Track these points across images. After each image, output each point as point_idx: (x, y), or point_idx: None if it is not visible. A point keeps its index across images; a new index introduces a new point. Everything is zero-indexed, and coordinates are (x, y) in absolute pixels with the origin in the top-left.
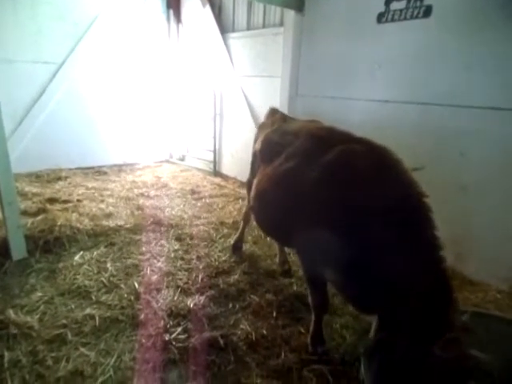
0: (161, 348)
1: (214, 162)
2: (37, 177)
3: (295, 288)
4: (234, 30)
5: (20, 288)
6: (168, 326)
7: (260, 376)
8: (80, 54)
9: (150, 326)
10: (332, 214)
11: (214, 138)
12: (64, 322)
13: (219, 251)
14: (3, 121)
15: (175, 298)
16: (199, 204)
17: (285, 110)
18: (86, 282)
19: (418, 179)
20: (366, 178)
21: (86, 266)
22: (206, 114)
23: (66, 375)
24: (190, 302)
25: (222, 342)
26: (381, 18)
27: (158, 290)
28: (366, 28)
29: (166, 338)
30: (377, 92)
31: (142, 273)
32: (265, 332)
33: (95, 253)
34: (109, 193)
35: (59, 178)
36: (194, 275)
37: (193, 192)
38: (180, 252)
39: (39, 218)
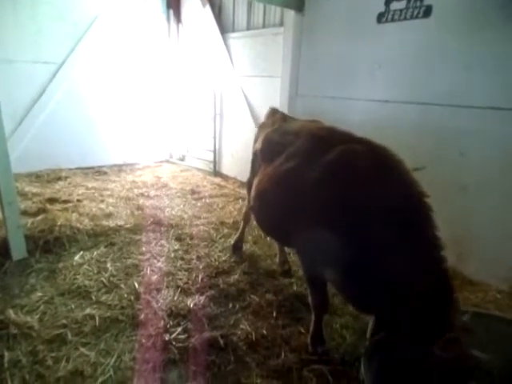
0: (161, 348)
1: (214, 162)
2: (37, 177)
3: (295, 288)
4: (233, 30)
5: (20, 288)
6: (168, 326)
7: (260, 376)
8: (80, 54)
9: (150, 325)
10: (332, 213)
11: (214, 137)
12: (64, 321)
13: (219, 251)
14: (3, 121)
15: (175, 298)
16: (199, 204)
17: (285, 109)
18: (86, 282)
19: (418, 179)
20: (367, 178)
21: (85, 266)
22: (206, 114)
23: (66, 375)
24: (190, 302)
25: (221, 341)
26: (381, 18)
27: (158, 290)
28: (366, 28)
29: (166, 338)
30: (377, 92)
31: (141, 273)
32: (265, 332)
33: (95, 253)
34: (109, 193)
35: (59, 178)
36: (194, 275)
37: (193, 192)
38: (180, 252)
39: (39, 217)
